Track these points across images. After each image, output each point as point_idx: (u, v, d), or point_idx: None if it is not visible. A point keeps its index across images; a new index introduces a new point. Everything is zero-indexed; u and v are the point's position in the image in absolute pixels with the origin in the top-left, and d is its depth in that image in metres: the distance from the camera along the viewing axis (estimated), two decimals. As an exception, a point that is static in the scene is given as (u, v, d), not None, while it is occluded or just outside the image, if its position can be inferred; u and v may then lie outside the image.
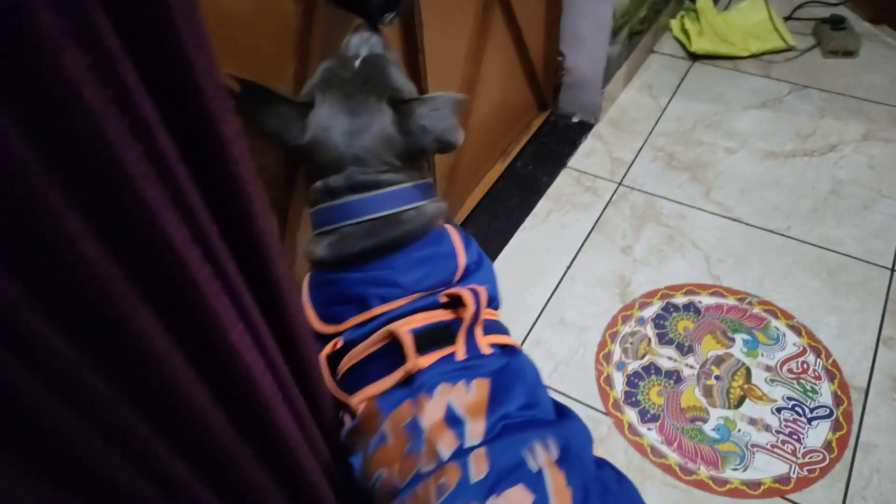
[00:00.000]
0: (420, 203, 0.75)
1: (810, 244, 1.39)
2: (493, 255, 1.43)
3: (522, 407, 0.65)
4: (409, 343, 0.65)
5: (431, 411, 0.62)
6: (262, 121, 0.70)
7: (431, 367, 0.66)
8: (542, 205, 1.54)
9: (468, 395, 0.63)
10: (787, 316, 1.27)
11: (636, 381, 1.20)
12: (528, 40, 1.48)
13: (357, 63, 0.74)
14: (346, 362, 0.70)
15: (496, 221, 1.50)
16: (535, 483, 0.57)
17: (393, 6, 0.89)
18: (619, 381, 1.20)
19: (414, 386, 0.65)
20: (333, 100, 0.71)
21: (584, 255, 1.42)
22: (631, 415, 1.15)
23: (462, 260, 0.75)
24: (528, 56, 1.52)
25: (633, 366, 1.22)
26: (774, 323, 1.26)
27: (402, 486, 0.61)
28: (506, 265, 1.41)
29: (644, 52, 1.89)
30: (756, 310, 1.29)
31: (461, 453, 0.59)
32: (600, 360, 1.24)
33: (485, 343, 0.69)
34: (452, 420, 0.62)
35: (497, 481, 0.56)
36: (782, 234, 1.42)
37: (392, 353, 0.67)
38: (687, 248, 1.41)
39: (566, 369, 1.22)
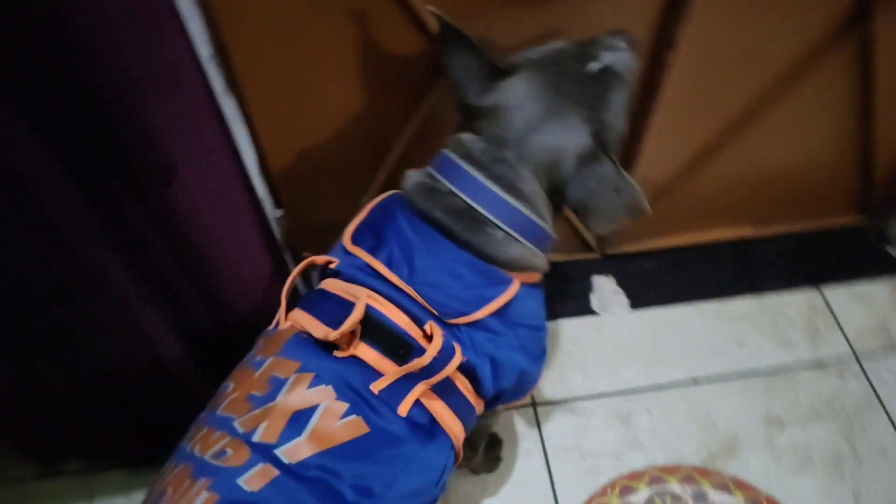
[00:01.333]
0: (520, 238, 0.64)
1: None
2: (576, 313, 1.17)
3: (356, 486, 0.53)
4: (355, 317, 0.57)
5: (296, 395, 0.55)
6: (451, 66, 0.68)
7: (345, 364, 0.58)
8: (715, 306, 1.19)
9: (333, 422, 0.54)
10: None
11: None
12: (881, 110, 1.05)
13: (593, 67, 0.65)
14: (323, 286, 0.66)
15: (635, 283, 1.20)
16: None
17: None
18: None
19: (321, 361, 0.58)
20: (539, 84, 0.64)
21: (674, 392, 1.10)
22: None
23: (483, 313, 0.62)
24: (869, 132, 1.09)
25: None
26: None
27: (216, 415, 0.57)
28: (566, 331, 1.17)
29: None
30: None
31: (264, 449, 0.53)
32: None
33: (410, 403, 0.58)
34: (297, 420, 0.54)
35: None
36: None
37: (349, 313, 0.59)
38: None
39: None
